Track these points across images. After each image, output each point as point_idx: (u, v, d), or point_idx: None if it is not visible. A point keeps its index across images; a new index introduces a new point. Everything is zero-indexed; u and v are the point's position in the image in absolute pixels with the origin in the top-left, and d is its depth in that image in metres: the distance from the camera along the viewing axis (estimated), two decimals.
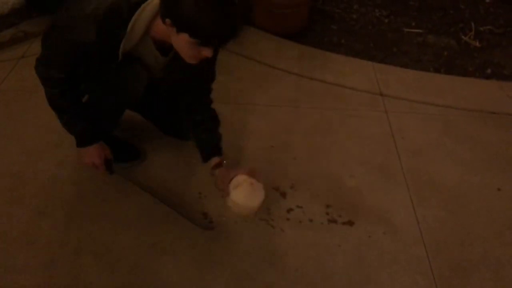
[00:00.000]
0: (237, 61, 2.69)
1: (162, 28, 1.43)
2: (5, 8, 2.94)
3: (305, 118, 2.31)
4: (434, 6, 3.45)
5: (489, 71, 2.81)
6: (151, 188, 1.88)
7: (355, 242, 1.74)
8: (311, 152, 2.12)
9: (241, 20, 1.44)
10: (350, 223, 1.82)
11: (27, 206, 1.80)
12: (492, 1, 3.56)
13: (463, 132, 2.29)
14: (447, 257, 1.71)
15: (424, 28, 3.18)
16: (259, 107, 2.37)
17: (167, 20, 1.36)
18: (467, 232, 1.81)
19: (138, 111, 2.03)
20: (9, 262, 1.60)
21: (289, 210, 1.85)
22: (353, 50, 2.91)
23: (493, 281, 1.64)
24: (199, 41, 1.36)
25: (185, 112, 1.83)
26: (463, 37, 3.12)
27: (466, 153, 2.17)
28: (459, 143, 2.22)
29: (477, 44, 3.06)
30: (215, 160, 1.75)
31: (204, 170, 1.83)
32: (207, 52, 1.41)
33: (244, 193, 1.62)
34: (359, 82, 2.57)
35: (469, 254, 1.73)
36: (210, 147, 1.79)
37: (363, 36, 3.05)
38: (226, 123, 2.18)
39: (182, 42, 1.39)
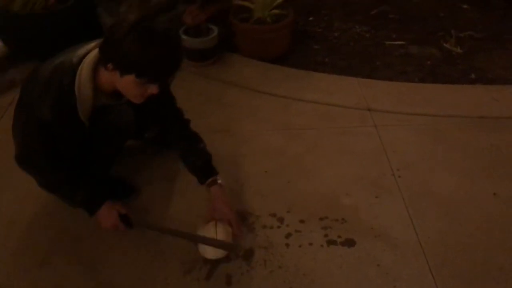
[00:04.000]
0: (224, 89, 2.70)
1: (105, 77, 1.46)
2: None
3: (296, 140, 2.32)
4: (413, 17, 3.50)
5: (473, 76, 2.84)
6: (175, 230, 1.82)
7: (356, 261, 1.73)
8: (305, 174, 2.12)
9: (182, 51, 1.49)
10: (350, 242, 1.80)
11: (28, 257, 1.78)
12: (470, 7, 3.62)
13: (454, 140, 2.30)
14: (450, 268, 1.70)
15: (406, 40, 3.22)
16: (250, 133, 2.37)
17: (109, 65, 1.38)
18: (467, 240, 1.80)
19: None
20: None
21: (288, 236, 1.83)
22: (337, 67, 2.94)
23: None
24: (145, 80, 1.38)
25: (169, 142, 1.85)
26: (444, 44, 3.16)
27: (459, 161, 2.17)
28: (451, 151, 2.23)
29: (459, 50, 3.09)
30: (209, 180, 1.79)
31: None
32: (153, 89, 1.44)
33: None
34: (346, 99, 2.59)
35: (471, 263, 1.72)
36: (203, 169, 1.81)
37: (346, 53, 3.09)
38: (218, 151, 2.19)
39: (127, 84, 1.41)
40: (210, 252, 1.72)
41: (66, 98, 1.47)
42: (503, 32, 3.28)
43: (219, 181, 1.80)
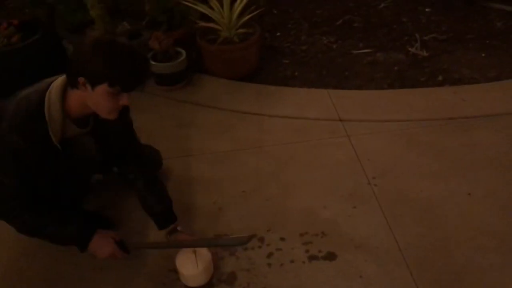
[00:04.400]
0: (195, 111, 2.70)
1: (75, 99, 1.47)
2: None
3: (271, 157, 2.33)
4: (377, 24, 3.57)
5: (440, 78, 2.90)
6: (174, 243, 1.79)
7: (338, 275, 1.73)
8: (282, 190, 2.13)
9: (147, 59, 1.52)
10: (331, 256, 1.81)
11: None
12: (432, 10, 3.70)
13: (425, 143, 2.34)
14: (431, 272, 1.71)
15: (372, 47, 3.27)
16: (225, 153, 2.37)
17: (81, 79, 1.40)
18: (446, 243, 1.83)
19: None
20: None
21: (269, 255, 1.83)
22: (307, 80, 2.97)
23: None
24: (118, 87, 1.40)
25: (128, 180, 1.83)
26: (410, 49, 3.22)
27: (432, 164, 2.21)
28: (424, 155, 2.26)
29: (425, 53, 3.16)
30: (169, 227, 1.79)
31: None
32: (124, 100, 1.45)
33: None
34: (317, 112, 2.61)
35: (451, 265, 1.74)
36: (162, 215, 1.80)
37: (315, 65, 3.12)
38: (194, 174, 2.20)
39: (100, 96, 1.42)
40: (193, 281, 1.70)
41: (36, 122, 1.46)
42: (464, 32, 3.36)
43: (178, 228, 1.79)
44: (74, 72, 1.42)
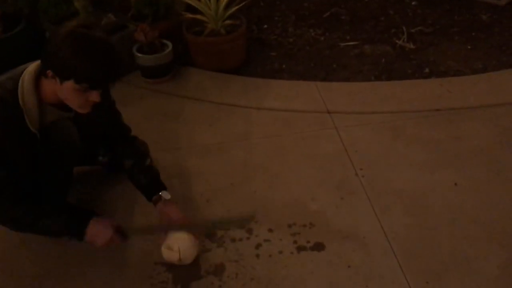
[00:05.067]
0: (182, 104, 2.68)
1: (49, 87, 1.45)
2: None
3: (259, 149, 2.32)
4: (364, 17, 3.57)
5: (427, 70, 2.91)
6: (175, 225, 1.74)
7: (327, 265, 1.74)
8: (270, 182, 2.12)
9: (120, 56, 1.48)
10: (319, 246, 1.81)
11: None
12: (418, 2, 3.71)
13: (412, 134, 2.35)
14: (419, 262, 1.72)
15: (359, 40, 3.27)
16: (212, 146, 2.36)
17: (49, 72, 1.38)
18: (433, 233, 1.84)
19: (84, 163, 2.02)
20: None
21: (258, 246, 1.82)
22: (295, 73, 2.96)
23: (466, 278, 1.66)
24: (85, 85, 1.37)
25: (115, 160, 1.83)
26: (397, 41, 3.23)
27: (419, 155, 2.22)
28: (411, 146, 2.27)
29: (412, 46, 3.17)
30: (155, 197, 1.78)
31: None
32: (94, 97, 1.42)
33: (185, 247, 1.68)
34: (305, 104, 2.61)
35: (439, 255, 1.75)
36: (148, 187, 1.79)
37: (303, 58, 3.12)
38: (182, 167, 2.19)
39: (68, 91, 1.40)
40: (190, 254, 1.71)
41: (10, 109, 1.43)
42: (450, 25, 3.37)
43: (164, 197, 1.76)
44: (44, 63, 1.40)
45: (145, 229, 1.85)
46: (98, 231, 1.60)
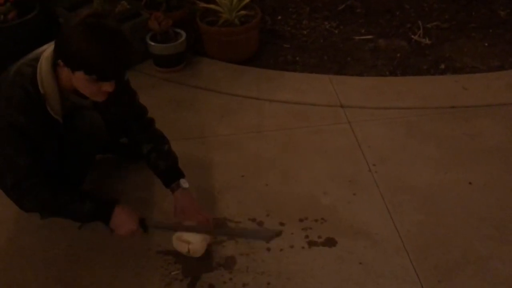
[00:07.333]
0: (194, 94, 2.66)
1: (64, 75, 1.44)
2: None
3: (271, 142, 2.30)
4: (380, 10, 3.52)
5: (442, 66, 2.87)
6: (191, 226, 1.73)
7: (338, 261, 1.72)
8: (282, 175, 2.11)
9: (131, 48, 1.46)
10: (331, 242, 1.80)
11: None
12: None
13: (427, 131, 2.32)
14: (431, 260, 1.71)
15: (374, 34, 3.23)
16: (224, 137, 2.34)
17: (60, 61, 1.37)
18: (446, 231, 1.82)
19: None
20: None
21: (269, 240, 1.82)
22: (308, 65, 2.93)
23: (479, 277, 1.64)
24: (95, 76, 1.36)
25: (133, 144, 1.81)
26: (412, 36, 3.18)
27: (433, 152, 2.19)
28: (425, 143, 2.24)
29: (427, 41, 3.12)
30: (173, 184, 1.75)
31: None
32: (107, 87, 1.41)
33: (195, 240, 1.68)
34: (318, 97, 2.58)
35: (451, 253, 1.73)
36: (167, 173, 1.77)
37: (316, 50, 3.08)
38: (193, 158, 2.18)
39: (80, 81, 1.39)
40: (200, 247, 1.70)
41: (32, 96, 1.43)
42: (467, 21, 3.32)
43: (182, 185, 1.74)
44: (55, 53, 1.39)
45: (165, 225, 1.80)
46: (123, 221, 1.60)
